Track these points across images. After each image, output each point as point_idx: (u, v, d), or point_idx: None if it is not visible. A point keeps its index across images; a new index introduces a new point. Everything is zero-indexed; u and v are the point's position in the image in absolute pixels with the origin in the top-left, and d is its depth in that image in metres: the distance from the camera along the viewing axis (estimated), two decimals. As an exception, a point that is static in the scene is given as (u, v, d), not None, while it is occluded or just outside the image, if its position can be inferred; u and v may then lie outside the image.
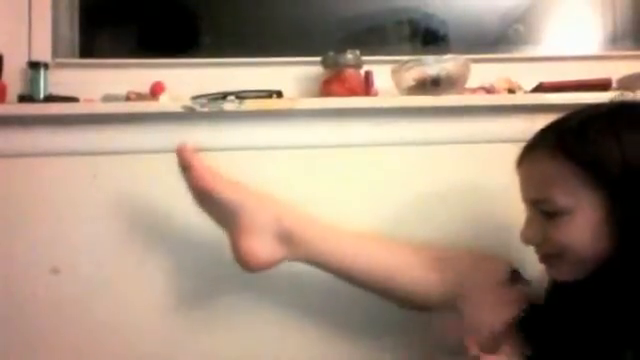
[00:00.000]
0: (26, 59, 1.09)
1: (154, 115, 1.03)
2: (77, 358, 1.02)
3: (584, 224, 0.71)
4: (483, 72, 1.11)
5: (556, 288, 0.79)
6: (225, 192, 0.88)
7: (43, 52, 1.11)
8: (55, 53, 1.13)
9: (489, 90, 1.11)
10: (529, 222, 0.77)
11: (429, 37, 1.31)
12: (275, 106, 1.04)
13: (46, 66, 1.07)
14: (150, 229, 1.03)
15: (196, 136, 1.04)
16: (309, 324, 1.04)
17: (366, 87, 1.09)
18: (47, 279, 1.01)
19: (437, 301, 0.89)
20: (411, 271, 0.89)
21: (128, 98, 1.06)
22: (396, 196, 1.06)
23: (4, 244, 1.02)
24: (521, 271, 0.88)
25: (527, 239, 0.77)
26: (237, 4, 1.29)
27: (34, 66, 1.06)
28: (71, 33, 1.21)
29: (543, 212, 0.74)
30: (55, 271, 1.02)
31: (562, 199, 0.71)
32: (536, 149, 0.76)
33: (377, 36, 1.30)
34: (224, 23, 1.27)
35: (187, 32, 1.28)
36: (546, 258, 0.76)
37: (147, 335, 1.02)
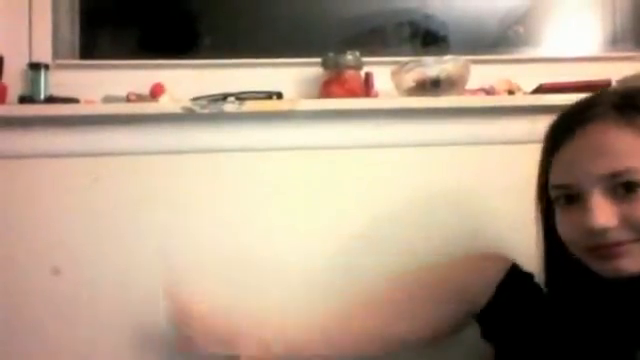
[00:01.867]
0: (27, 60, 1.10)
1: (154, 116, 1.03)
2: (77, 358, 1.02)
3: None
4: (483, 73, 1.11)
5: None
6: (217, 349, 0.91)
7: (43, 53, 1.11)
8: (55, 54, 1.13)
9: (489, 91, 1.11)
10: (598, 205, 0.66)
11: (429, 38, 1.30)
12: (275, 107, 1.04)
13: (46, 67, 1.07)
14: (150, 229, 1.03)
15: (196, 137, 1.04)
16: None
17: (366, 88, 1.09)
18: (47, 279, 1.01)
19: (446, 327, 0.88)
20: (401, 326, 0.89)
21: (128, 99, 1.06)
22: (396, 197, 1.05)
23: (5, 245, 1.02)
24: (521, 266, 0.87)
25: (602, 223, 0.66)
26: (237, 5, 1.29)
27: (34, 67, 1.07)
28: (71, 34, 1.21)
29: (619, 188, 0.66)
30: (55, 272, 1.02)
31: None
32: (599, 119, 0.68)
33: (377, 37, 1.30)
34: (224, 24, 1.27)
35: (187, 33, 1.28)
36: (618, 247, 0.67)
37: (148, 335, 1.02)
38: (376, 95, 1.10)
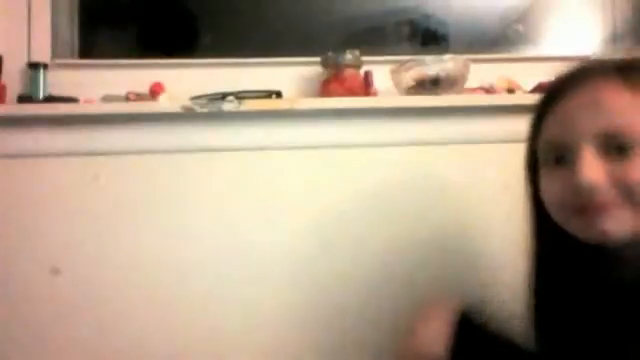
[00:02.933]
0: (26, 60, 1.09)
1: (153, 115, 1.03)
2: (77, 358, 1.02)
3: None
4: (483, 72, 1.11)
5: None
6: None
7: (43, 53, 1.11)
8: (55, 54, 1.13)
9: (489, 90, 1.11)
10: (588, 162, 0.65)
11: (428, 37, 1.30)
12: (274, 106, 1.04)
13: (45, 67, 1.07)
14: (149, 228, 1.03)
15: (195, 136, 1.04)
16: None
17: (365, 87, 1.09)
18: (47, 279, 1.01)
19: None
20: None
21: (127, 98, 1.06)
22: (395, 196, 1.05)
23: (4, 244, 1.02)
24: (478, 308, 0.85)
25: (590, 181, 0.64)
26: (236, 4, 1.29)
27: (34, 67, 1.07)
28: (70, 34, 1.21)
29: (611, 149, 0.65)
30: (55, 271, 1.02)
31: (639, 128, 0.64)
32: (598, 77, 0.67)
33: (377, 36, 1.30)
34: (223, 23, 1.27)
35: (186, 32, 1.28)
36: (605, 208, 0.65)
37: (147, 335, 1.02)
38: (375, 94, 1.10)
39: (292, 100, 1.06)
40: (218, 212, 1.04)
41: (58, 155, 1.03)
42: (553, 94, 0.71)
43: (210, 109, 1.01)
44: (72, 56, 1.21)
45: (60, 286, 1.01)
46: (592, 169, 0.65)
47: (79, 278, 1.02)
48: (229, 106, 1.02)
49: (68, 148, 1.03)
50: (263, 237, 1.04)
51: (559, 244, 0.73)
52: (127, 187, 1.03)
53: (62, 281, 1.02)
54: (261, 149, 1.05)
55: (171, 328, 1.03)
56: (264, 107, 1.03)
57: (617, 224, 0.65)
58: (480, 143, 1.06)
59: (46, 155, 1.03)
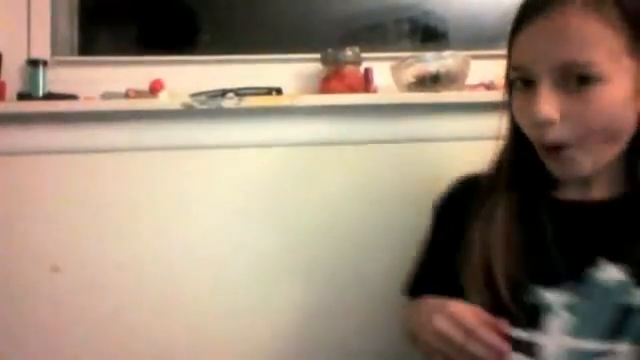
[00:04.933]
0: (25, 57, 1.09)
1: (153, 112, 1.03)
2: (77, 356, 1.02)
3: (618, 95, 0.64)
4: (483, 68, 1.11)
5: None
6: None
7: (42, 50, 1.11)
8: (54, 51, 1.13)
9: (489, 86, 1.11)
10: (545, 95, 0.65)
11: (428, 34, 1.30)
12: (274, 103, 1.04)
13: (45, 64, 1.07)
14: (149, 226, 1.03)
15: (195, 133, 1.04)
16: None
17: (366, 84, 1.09)
18: (47, 277, 1.01)
19: None
20: None
21: (127, 96, 1.06)
22: (396, 193, 1.05)
23: (4, 242, 1.02)
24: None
25: (545, 115, 0.64)
26: (236, 1, 1.29)
27: (33, 64, 1.06)
28: (70, 31, 1.21)
29: (572, 81, 0.64)
30: (55, 269, 1.02)
31: (604, 62, 0.63)
32: (567, 3, 0.65)
33: (377, 33, 1.30)
34: (223, 20, 1.27)
35: (186, 29, 1.28)
36: (562, 150, 0.66)
37: (147, 334, 1.02)
38: (375, 91, 1.10)
39: (292, 97, 1.06)
40: (219, 209, 1.04)
41: (58, 152, 1.03)
42: (524, 13, 0.69)
43: (210, 106, 1.01)
44: (72, 53, 1.20)
45: (60, 284, 1.01)
46: (548, 104, 0.64)
47: (79, 276, 1.02)
48: (229, 103, 1.02)
49: (68, 145, 1.03)
50: (264, 234, 1.04)
51: (531, 167, 0.74)
52: (127, 184, 1.03)
53: (62, 279, 1.02)
54: (261, 146, 1.05)
55: (171, 326, 1.03)
56: (264, 104, 1.03)
57: (579, 165, 0.67)
58: (481, 139, 1.05)
59: (46, 152, 1.03)
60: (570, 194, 0.73)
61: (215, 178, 1.04)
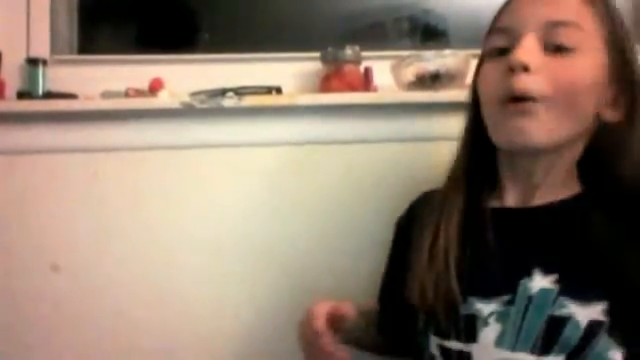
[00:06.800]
0: (24, 56, 1.09)
1: (153, 111, 1.03)
2: (77, 355, 1.02)
3: (590, 73, 0.67)
4: (483, 67, 1.11)
5: None
6: None
7: (41, 48, 1.11)
8: (54, 49, 1.13)
9: (489, 85, 1.11)
10: (529, 44, 0.67)
11: (428, 33, 1.30)
12: (274, 102, 1.04)
13: (44, 62, 1.07)
14: (149, 225, 1.03)
15: (195, 132, 1.04)
16: None
17: (365, 83, 1.09)
18: (47, 276, 1.01)
19: None
20: None
21: (127, 94, 1.05)
22: (395, 192, 1.05)
23: (3, 241, 1.02)
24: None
25: (523, 58, 0.66)
26: (236, 0, 1.29)
27: (32, 63, 1.06)
28: (70, 29, 1.21)
29: (551, 44, 0.67)
30: (55, 268, 1.02)
31: (586, 37, 0.67)
32: None
33: (376, 32, 1.30)
34: (223, 19, 1.27)
35: (186, 28, 1.28)
36: (529, 102, 0.67)
37: (147, 332, 1.02)
38: (375, 90, 1.10)
39: (292, 96, 1.06)
40: (218, 208, 1.04)
41: (57, 151, 1.03)
42: None
43: (210, 105, 1.01)
44: (71, 52, 1.20)
45: (60, 282, 1.01)
46: (529, 50, 0.66)
47: (79, 274, 1.02)
48: (229, 102, 1.01)
49: (67, 144, 1.03)
50: (263, 232, 1.04)
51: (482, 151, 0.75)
52: (127, 183, 1.03)
53: (62, 277, 1.02)
54: (261, 145, 1.05)
55: (172, 325, 1.03)
56: (264, 103, 1.03)
57: (536, 127, 0.67)
58: (480, 139, 1.05)
59: (45, 151, 1.03)
60: (513, 201, 0.74)
61: (215, 177, 1.04)
